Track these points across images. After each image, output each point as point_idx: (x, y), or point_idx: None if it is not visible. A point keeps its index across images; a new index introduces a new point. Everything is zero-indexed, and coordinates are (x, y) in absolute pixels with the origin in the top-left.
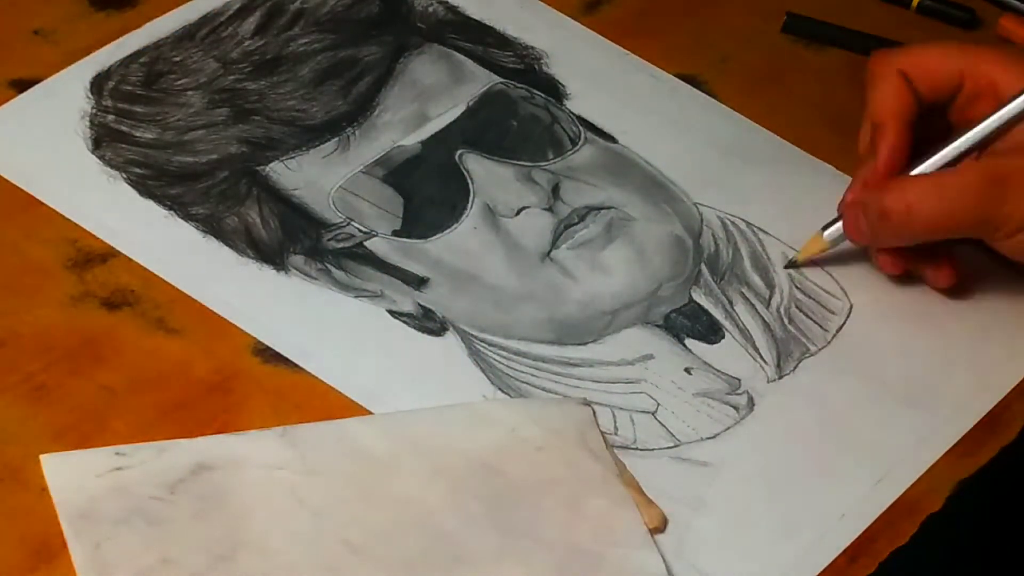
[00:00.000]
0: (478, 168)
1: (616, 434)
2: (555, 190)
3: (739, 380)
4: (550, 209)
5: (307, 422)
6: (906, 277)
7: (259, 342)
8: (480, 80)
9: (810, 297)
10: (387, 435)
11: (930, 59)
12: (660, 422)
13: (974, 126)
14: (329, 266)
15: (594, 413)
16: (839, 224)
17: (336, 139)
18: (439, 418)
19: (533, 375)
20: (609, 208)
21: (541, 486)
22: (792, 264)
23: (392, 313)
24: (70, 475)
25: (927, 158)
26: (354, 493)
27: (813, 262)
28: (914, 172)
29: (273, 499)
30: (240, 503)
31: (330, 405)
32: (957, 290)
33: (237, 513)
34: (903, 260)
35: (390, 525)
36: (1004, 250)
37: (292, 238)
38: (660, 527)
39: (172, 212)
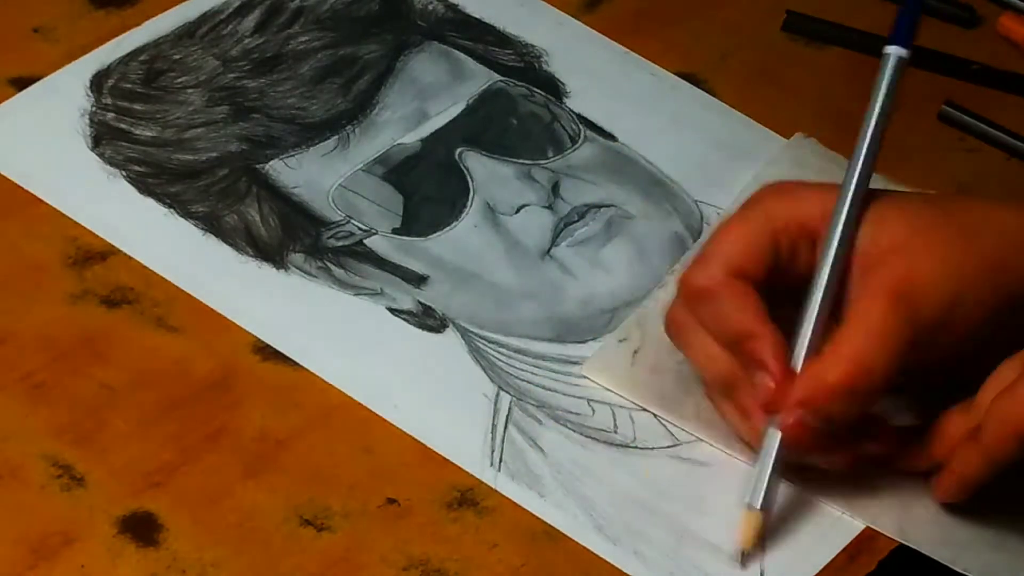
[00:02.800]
0: (478, 166)
1: (616, 432)
2: (555, 188)
3: None
4: (550, 207)
5: (306, 420)
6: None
7: (259, 340)
8: (480, 78)
9: None
10: None
11: (742, 243)
12: (660, 421)
13: (807, 279)
14: (329, 264)
15: None
16: (758, 490)
17: (336, 137)
18: None
19: (533, 373)
20: (609, 206)
21: None
22: (745, 556)
23: (392, 311)
24: None
25: (796, 345)
26: None
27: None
28: (797, 355)
29: None
30: None
31: (329, 403)
32: None
33: None
34: (853, 451)
35: None
36: (941, 355)
37: (292, 236)
38: None
39: (172, 210)
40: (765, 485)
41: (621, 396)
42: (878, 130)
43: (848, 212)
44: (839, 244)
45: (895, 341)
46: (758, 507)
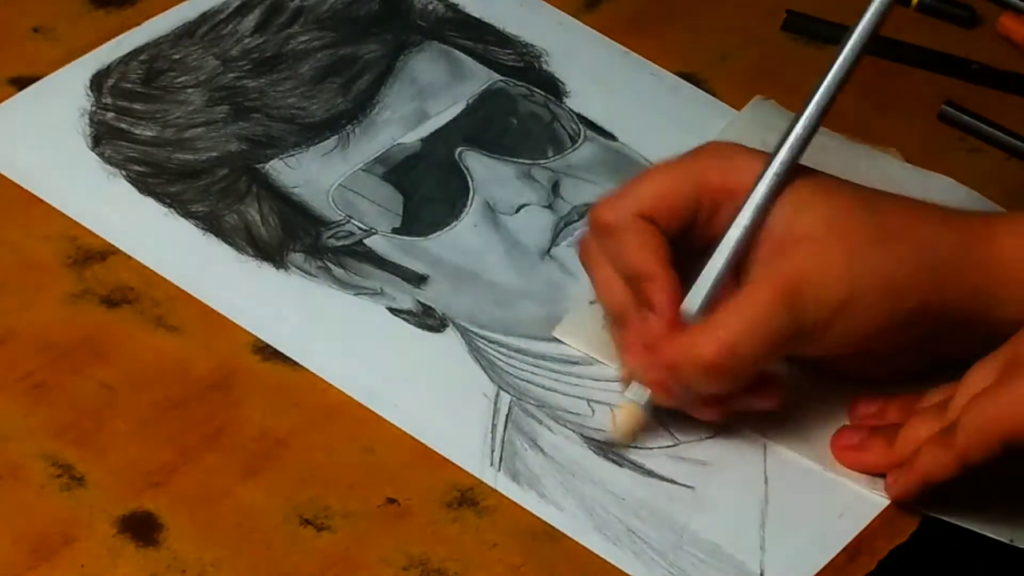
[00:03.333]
0: (478, 166)
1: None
2: (555, 188)
3: None
4: (550, 207)
5: (306, 419)
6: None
7: (259, 340)
8: (480, 78)
9: None
10: None
11: (663, 192)
12: (659, 420)
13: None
14: (329, 264)
15: None
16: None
17: (336, 137)
18: None
19: (533, 372)
20: None
21: None
22: (615, 445)
23: (392, 310)
24: None
25: (689, 293)
26: None
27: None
28: (684, 309)
29: None
30: None
31: (329, 403)
32: None
33: None
34: (724, 405)
35: None
36: (821, 352)
37: (292, 236)
38: None
39: (172, 210)
40: (647, 393)
41: (592, 357)
42: (821, 105)
43: (773, 178)
44: (756, 208)
45: (770, 331)
46: (640, 403)
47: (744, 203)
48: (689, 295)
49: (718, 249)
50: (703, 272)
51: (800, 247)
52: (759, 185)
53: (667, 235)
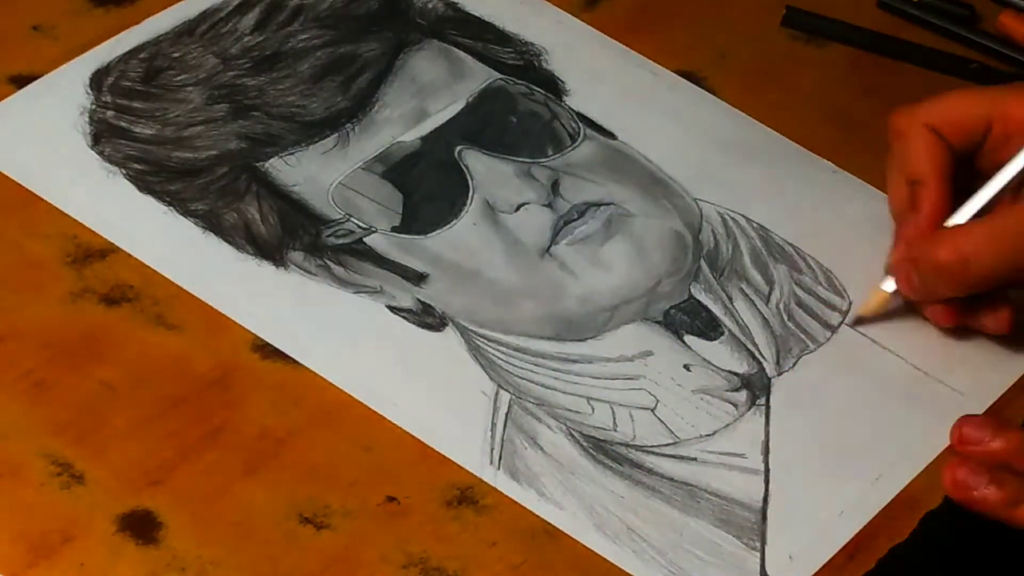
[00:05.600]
0: (477, 164)
1: (615, 431)
2: (554, 186)
3: (738, 377)
4: (549, 205)
5: (305, 418)
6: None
7: (258, 338)
8: (479, 76)
9: (810, 294)
10: None
11: (955, 109)
12: (659, 419)
13: (1005, 167)
14: (328, 262)
15: None
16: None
17: (335, 135)
18: None
19: (532, 371)
20: (608, 204)
21: None
22: (859, 320)
23: (391, 309)
24: None
25: (962, 206)
26: None
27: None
28: (952, 221)
29: None
30: None
31: (329, 401)
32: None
33: None
34: (956, 312)
35: None
36: None
37: (291, 234)
38: None
39: (171, 208)
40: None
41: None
42: None
43: None
44: None
45: (1015, 250)
46: (884, 286)
47: None
48: (960, 209)
49: (1000, 171)
50: (979, 191)
51: None
52: None
53: (953, 151)
